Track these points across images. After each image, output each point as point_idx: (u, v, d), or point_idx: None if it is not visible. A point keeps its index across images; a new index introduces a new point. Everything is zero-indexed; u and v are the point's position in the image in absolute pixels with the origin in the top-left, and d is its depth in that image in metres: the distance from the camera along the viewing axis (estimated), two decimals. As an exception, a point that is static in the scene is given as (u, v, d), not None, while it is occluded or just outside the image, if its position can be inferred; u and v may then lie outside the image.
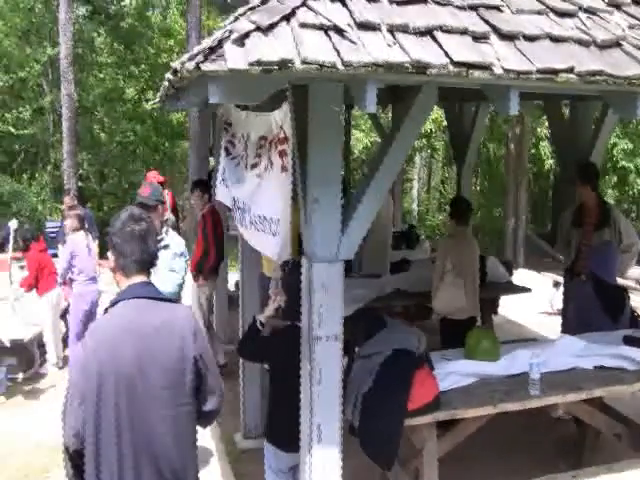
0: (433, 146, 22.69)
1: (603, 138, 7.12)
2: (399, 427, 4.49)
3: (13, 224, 9.80)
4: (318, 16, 3.00)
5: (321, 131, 3.58)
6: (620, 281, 7.23)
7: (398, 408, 4.49)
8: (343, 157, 3.92)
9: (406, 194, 23.17)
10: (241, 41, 2.79)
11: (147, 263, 3.19)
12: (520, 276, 10.53)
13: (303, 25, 2.94)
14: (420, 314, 7.62)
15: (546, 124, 16.21)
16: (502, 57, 3.03)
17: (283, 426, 4.41)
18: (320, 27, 2.95)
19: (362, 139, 20.21)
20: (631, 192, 18.99)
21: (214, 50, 2.79)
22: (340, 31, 2.94)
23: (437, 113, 16.92)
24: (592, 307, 6.64)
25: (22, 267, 9.69)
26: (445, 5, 3.33)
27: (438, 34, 3.08)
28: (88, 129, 20.90)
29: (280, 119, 4.31)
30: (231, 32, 2.83)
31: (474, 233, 7.11)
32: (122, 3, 22.45)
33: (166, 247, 6.54)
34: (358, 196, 3.75)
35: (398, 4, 3.25)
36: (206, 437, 6.45)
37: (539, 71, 3.01)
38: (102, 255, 10.83)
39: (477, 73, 2.95)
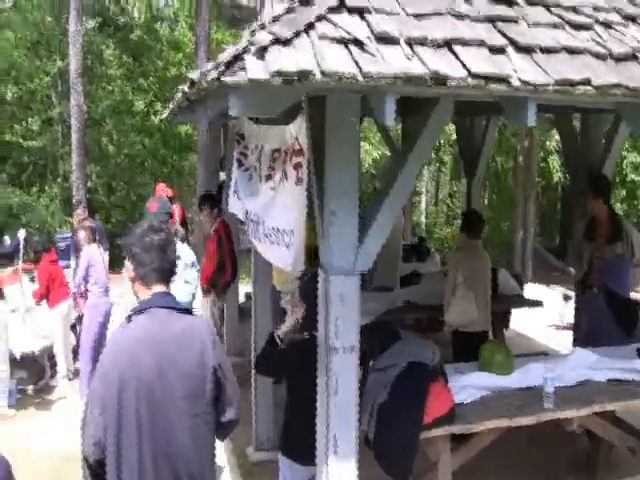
0: (441, 159, 22.70)
1: (614, 151, 7.14)
2: (415, 440, 4.48)
3: (22, 234, 9.84)
4: (337, 28, 3.02)
5: (338, 143, 3.59)
6: (633, 295, 7.20)
7: (413, 421, 4.48)
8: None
9: (415, 207, 23.17)
10: (261, 53, 2.81)
11: (167, 272, 3.22)
12: (529, 289, 10.52)
13: (323, 37, 2.96)
14: (432, 327, 7.63)
15: (555, 137, 16.24)
16: (519, 69, 3.05)
17: (299, 438, 4.39)
18: (339, 39, 2.97)
19: (371, 152, 20.22)
20: (640, 206, 18.98)
21: (234, 62, 2.80)
22: (359, 43, 2.96)
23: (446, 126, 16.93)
24: (605, 320, 6.63)
25: (32, 279, 9.70)
26: (462, 18, 3.35)
27: (456, 46, 3.09)
28: (96, 141, 20.95)
29: (295, 131, 4.32)
30: (251, 44, 2.85)
31: (483, 246, 7.10)
32: (131, 15, 22.56)
33: (177, 258, 6.53)
34: (375, 208, 3.76)
35: (416, 17, 3.27)
36: (218, 450, 6.41)
37: (556, 83, 3.02)
38: (112, 268, 10.90)
39: (495, 85, 2.97)
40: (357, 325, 3.83)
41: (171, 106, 6.28)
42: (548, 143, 17.20)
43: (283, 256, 4.66)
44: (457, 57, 3.03)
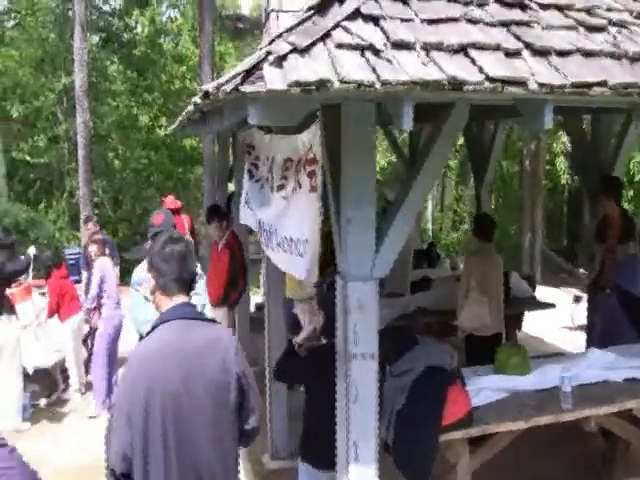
0: (447, 164, 22.68)
1: (625, 152, 7.14)
2: (434, 444, 4.50)
3: (32, 250, 9.88)
4: (353, 36, 3.04)
5: (354, 151, 3.61)
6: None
7: (432, 425, 4.49)
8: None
9: (420, 214, 23.15)
10: (279, 62, 2.84)
11: (187, 282, 3.24)
12: (539, 292, 10.51)
13: (339, 45, 2.98)
14: (444, 332, 7.62)
15: (562, 139, 16.23)
16: (536, 72, 3.06)
17: (318, 444, 4.40)
18: (356, 47, 2.99)
19: (379, 160, 20.23)
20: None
21: (252, 72, 2.83)
22: (376, 50, 2.98)
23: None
24: (618, 320, 6.63)
25: (43, 294, 9.74)
26: (476, 23, 3.37)
27: (472, 51, 3.11)
28: (102, 157, 21.01)
29: (309, 140, 4.33)
30: (269, 53, 2.87)
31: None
32: (134, 31, 22.66)
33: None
34: (391, 214, 3.77)
35: (430, 23, 3.29)
36: (235, 458, 6.44)
37: (573, 85, 3.04)
38: (122, 281, 10.93)
39: (512, 89, 2.98)
40: (376, 331, 3.84)
41: (179, 119, 6.31)
42: (555, 145, 17.19)
43: (297, 264, 4.68)
44: (473, 61, 3.04)
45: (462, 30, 3.29)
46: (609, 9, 3.73)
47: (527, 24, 3.45)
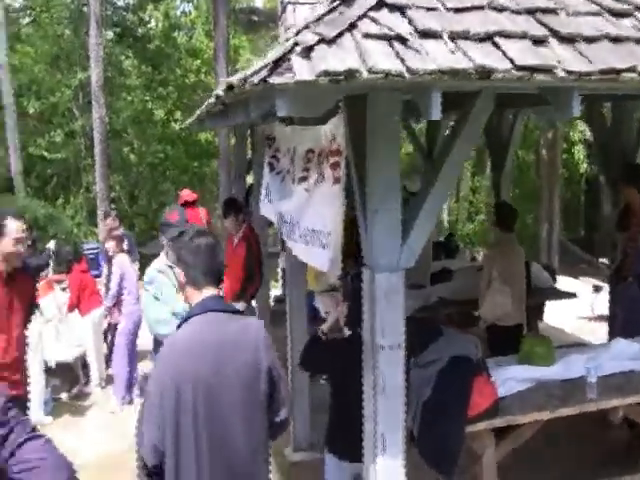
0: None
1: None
2: (460, 434, 4.50)
3: (52, 245, 9.93)
4: (380, 26, 3.02)
5: (380, 141, 3.59)
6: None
7: (458, 416, 4.49)
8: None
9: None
10: (307, 53, 2.82)
11: (216, 274, 3.25)
12: (558, 282, 10.49)
13: (366, 35, 2.96)
14: (465, 322, 7.61)
15: (579, 128, 16.13)
16: (563, 60, 3.03)
17: (344, 435, 4.41)
18: (383, 37, 2.97)
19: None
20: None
21: (279, 63, 2.81)
22: (403, 40, 2.96)
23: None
24: (640, 309, 6.60)
25: (64, 289, 9.80)
26: (501, 11, 3.34)
27: (498, 39, 3.09)
28: (118, 151, 21.10)
29: (331, 131, 4.32)
30: (296, 44, 2.86)
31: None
32: (149, 25, 22.71)
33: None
34: (417, 204, 3.76)
35: (455, 11, 3.27)
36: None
37: (601, 72, 3.01)
38: (142, 276, 10.94)
39: (540, 76, 2.96)
40: (402, 322, 3.83)
41: (197, 112, 6.31)
42: (572, 134, 17.10)
43: (319, 256, 4.67)
44: (500, 50, 3.02)
45: (488, 18, 3.27)
46: (633, -6, 3.69)
47: (552, 11, 3.41)
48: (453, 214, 24.92)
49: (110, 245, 8.95)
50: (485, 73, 2.88)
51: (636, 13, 3.53)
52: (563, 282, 12.40)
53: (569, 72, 2.98)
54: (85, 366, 9.29)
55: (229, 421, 3.05)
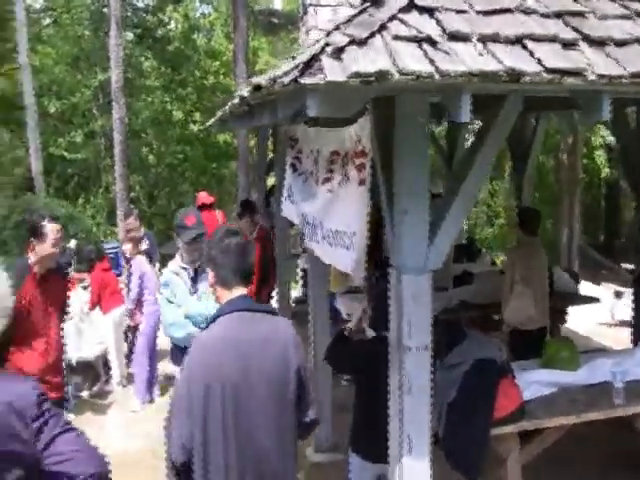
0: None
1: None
2: (485, 437, 4.49)
3: (73, 244, 9.98)
4: (410, 28, 3.04)
5: (408, 143, 3.59)
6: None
7: (484, 418, 4.48)
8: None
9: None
10: (338, 54, 2.84)
11: (246, 274, 3.26)
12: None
13: (396, 37, 2.97)
14: (487, 325, 7.59)
15: (601, 133, 16.04)
16: (593, 63, 3.04)
17: (369, 436, 4.42)
18: (413, 39, 2.98)
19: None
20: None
21: (310, 64, 2.83)
22: (433, 42, 2.97)
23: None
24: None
25: (85, 287, 9.85)
26: (530, 14, 3.34)
27: (528, 42, 3.09)
28: (137, 152, 21.20)
29: (357, 133, 4.33)
30: (327, 45, 2.87)
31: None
32: (168, 27, 22.80)
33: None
34: (445, 207, 3.76)
35: (485, 14, 3.28)
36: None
37: (632, 75, 3.01)
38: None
39: (570, 80, 2.96)
40: (429, 323, 3.83)
41: (219, 113, 6.33)
42: (593, 139, 17.03)
43: (343, 257, 4.68)
44: (530, 52, 3.02)
45: (517, 21, 3.27)
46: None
47: (581, 14, 3.41)
48: (472, 218, 24.84)
49: (127, 248, 9.02)
50: (515, 76, 2.89)
51: (665, 16, 3.52)
52: (584, 287, 12.34)
53: (600, 76, 2.98)
54: (106, 364, 9.34)
55: (257, 419, 3.06)
